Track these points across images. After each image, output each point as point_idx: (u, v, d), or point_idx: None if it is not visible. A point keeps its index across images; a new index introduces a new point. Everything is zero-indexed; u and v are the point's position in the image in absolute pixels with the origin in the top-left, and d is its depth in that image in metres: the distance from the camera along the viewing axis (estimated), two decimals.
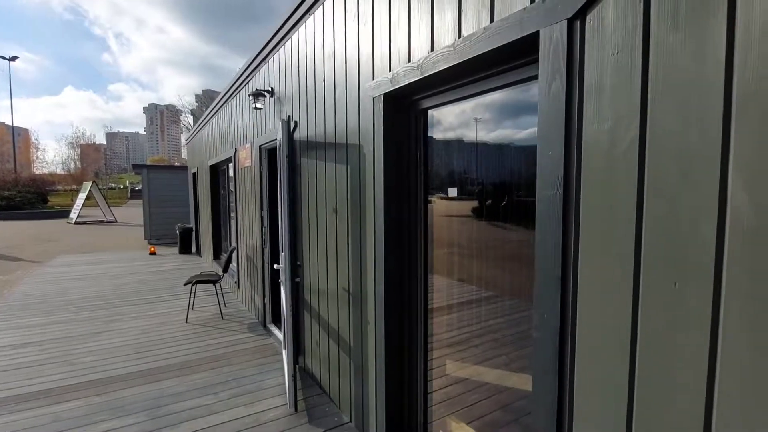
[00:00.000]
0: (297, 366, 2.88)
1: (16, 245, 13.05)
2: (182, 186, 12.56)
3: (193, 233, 10.60)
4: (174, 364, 3.80)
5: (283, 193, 2.70)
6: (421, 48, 1.92)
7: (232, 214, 6.70)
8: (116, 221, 21.86)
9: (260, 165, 4.53)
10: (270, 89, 4.01)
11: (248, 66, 4.77)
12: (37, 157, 59.82)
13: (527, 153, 1.78)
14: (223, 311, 5.35)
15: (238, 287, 5.98)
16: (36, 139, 59.68)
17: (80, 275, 7.82)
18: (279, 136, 3.00)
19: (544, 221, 1.36)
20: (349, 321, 2.73)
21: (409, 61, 2.00)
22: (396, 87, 2.08)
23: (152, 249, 10.35)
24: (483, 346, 2.18)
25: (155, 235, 12.56)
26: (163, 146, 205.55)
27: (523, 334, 1.94)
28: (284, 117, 3.75)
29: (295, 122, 3.23)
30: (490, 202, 2.00)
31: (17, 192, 28.99)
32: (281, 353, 3.94)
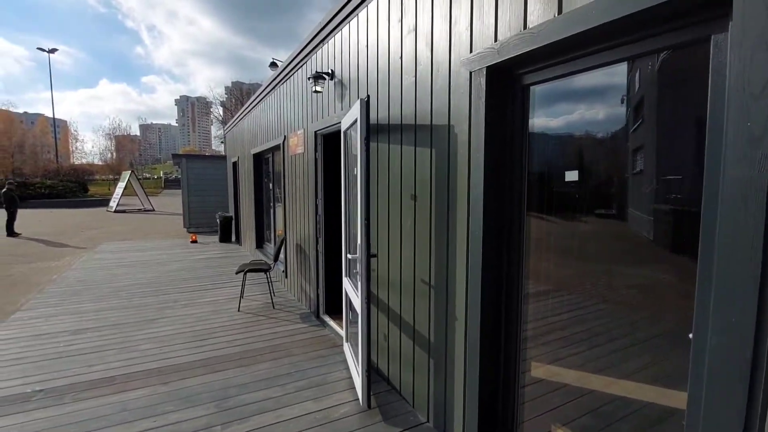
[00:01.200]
0: (370, 361, 2.74)
1: (62, 232, 13.53)
2: (219, 175, 12.68)
3: (233, 222, 10.68)
4: (234, 353, 3.74)
5: (361, 180, 2.53)
6: (543, 11, 1.70)
7: (278, 202, 6.64)
8: (154, 210, 22.44)
9: (315, 151, 4.40)
10: (330, 72, 3.85)
11: (301, 50, 4.62)
12: (76, 148, 62.20)
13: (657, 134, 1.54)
14: (273, 300, 5.29)
15: (286, 276, 5.91)
16: (75, 130, 61.94)
17: (127, 262, 7.96)
18: (352, 118, 2.83)
19: (733, 206, 1.13)
20: (428, 315, 2.56)
21: (525, 27, 1.78)
22: (503, 59, 1.87)
23: (194, 237, 10.48)
24: (583, 347, 1.98)
25: (194, 224, 12.75)
26: (194, 138, 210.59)
27: (634, 335, 1.73)
28: (347, 100, 3.58)
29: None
30: (607, 190, 1.77)
31: (59, 181, 30.26)
32: (341, 345, 3.82)
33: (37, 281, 6.90)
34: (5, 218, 12.48)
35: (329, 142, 4.41)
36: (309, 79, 3.88)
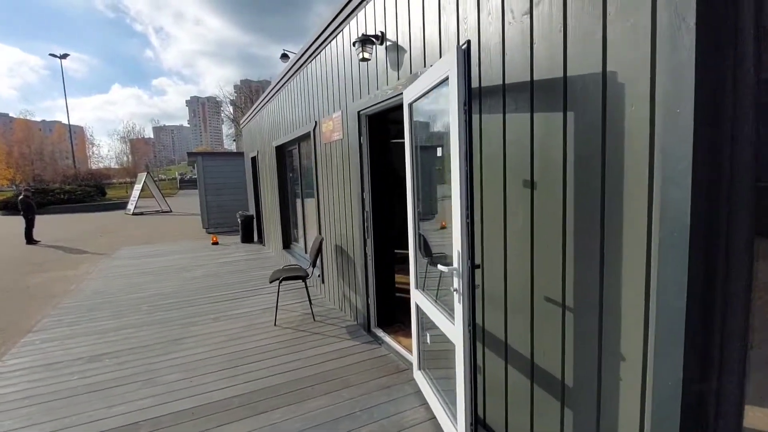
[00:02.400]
0: (476, 410, 2.03)
1: (79, 237, 13.15)
2: (236, 173, 12.13)
3: (255, 221, 10.08)
4: (278, 384, 3.07)
5: (460, 164, 1.80)
6: None
7: (308, 198, 5.96)
8: (171, 211, 22.09)
9: (359, 135, 3.67)
10: (379, 34, 3.11)
11: (337, 15, 3.88)
12: (92, 153, 62.81)
13: None
14: (313, 311, 4.62)
15: (323, 282, 5.24)
16: (90, 135, 62.61)
17: (147, 269, 7.41)
18: (432, 81, 2.09)
19: None
20: (561, 346, 1.84)
21: None
22: None
23: (214, 238, 9.91)
24: None
25: (213, 224, 12.23)
26: (206, 137, 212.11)
27: None
28: (406, 66, 2.84)
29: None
30: None
31: (78, 186, 30.24)
32: (407, 370, 3.12)
33: (54, 293, 6.39)
34: (24, 226, 12.12)
35: (375, 124, 3.69)
36: (354, 44, 3.14)
